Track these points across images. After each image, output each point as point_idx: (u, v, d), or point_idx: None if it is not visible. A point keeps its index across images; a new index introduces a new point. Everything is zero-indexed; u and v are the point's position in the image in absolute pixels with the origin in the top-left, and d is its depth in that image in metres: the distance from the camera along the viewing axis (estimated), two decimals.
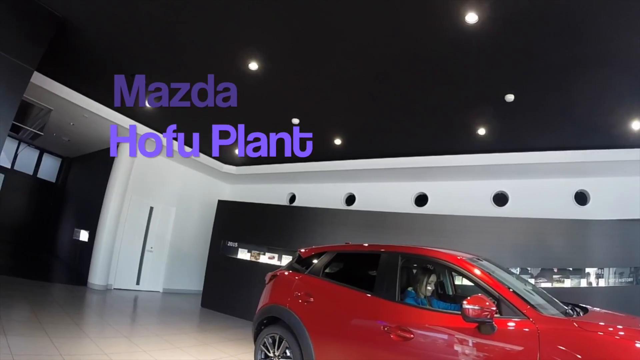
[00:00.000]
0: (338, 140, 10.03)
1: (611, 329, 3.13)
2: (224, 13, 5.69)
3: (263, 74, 7.21)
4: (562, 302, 4.01)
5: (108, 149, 11.84)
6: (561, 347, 2.86)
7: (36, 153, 15.76)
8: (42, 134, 9.35)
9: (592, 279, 7.71)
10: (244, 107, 8.53)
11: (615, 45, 5.30)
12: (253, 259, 10.57)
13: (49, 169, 16.58)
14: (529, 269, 8.03)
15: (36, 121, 9.22)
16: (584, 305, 4.11)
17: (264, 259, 10.39)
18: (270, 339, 5.07)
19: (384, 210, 9.71)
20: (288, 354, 4.82)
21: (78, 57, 7.60)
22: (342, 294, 4.45)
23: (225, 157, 13.03)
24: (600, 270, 7.67)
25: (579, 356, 2.77)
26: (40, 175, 16.23)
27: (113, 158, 11.46)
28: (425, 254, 4.25)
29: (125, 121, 10.32)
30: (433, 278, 4.58)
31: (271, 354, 5.00)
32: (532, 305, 3.23)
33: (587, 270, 7.74)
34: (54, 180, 16.80)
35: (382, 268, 4.28)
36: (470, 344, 3.20)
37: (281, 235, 10.26)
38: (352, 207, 12.00)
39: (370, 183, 11.98)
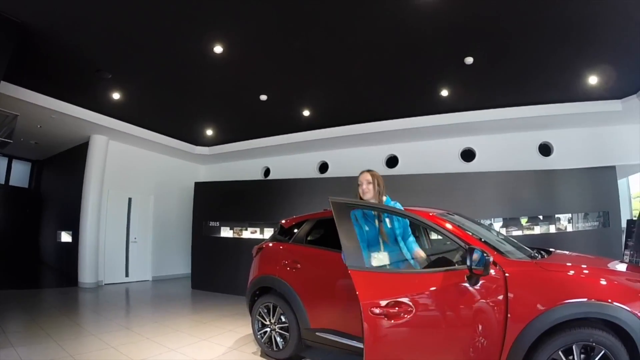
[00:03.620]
0: (307, 111, 10.17)
1: (572, 268, 3.47)
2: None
3: (228, 56, 7.29)
4: (529, 247, 4.32)
5: (78, 147, 12.07)
6: (525, 286, 3.19)
7: (5, 161, 15.40)
8: (11, 141, 9.17)
9: (561, 224, 8.17)
10: (213, 88, 8.82)
11: (568, 8, 5.55)
12: (236, 236, 10.75)
13: (20, 175, 16.20)
14: (498, 219, 8.45)
15: (2, 128, 9.09)
16: (549, 249, 4.47)
17: (247, 234, 10.58)
18: (264, 309, 5.37)
19: (356, 175, 9.90)
20: (283, 319, 5.12)
21: (39, 59, 7.55)
22: (326, 257, 4.67)
23: (196, 138, 13.15)
24: (568, 216, 8.14)
25: (540, 292, 3.12)
26: (12, 182, 15.83)
27: (86, 155, 11.49)
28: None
29: (93, 116, 10.35)
30: None
31: (267, 322, 5.30)
32: (499, 252, 3.48)
33: (556, 216, 8.20)
34: (26, 186, 16.45)
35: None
36: (445, 296, 3.39)
37: (260, 209, 10.44)
38: (326, 175, 12.26)
39: (341, 150, 12.20)
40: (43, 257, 15.02)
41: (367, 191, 4.03)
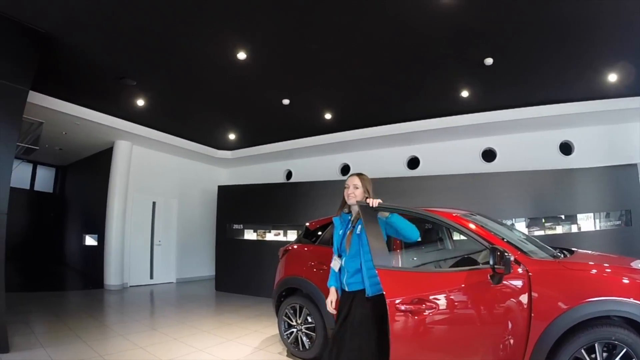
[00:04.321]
0: (328, 114, 10.22)
1: (594, 267, 3.50)
2: (207, 9, 5.81)
3: (252, 62, 7.39)
4: (551, 246, 4.35)
5: (103, 152, 12.27)
6: (548, 285, 3.22)
7: (30, 166, 15.73)
8: (37, 148, 9.33)
9: (583, 224, 8.12)
10: (236, 93, 8.92)
11: (585, 6, 5.54)
12: (260, 238, 10.89)
13: (45, 180, 16.58)
14: (519, 219, 8.44)
15: (28, 136, 9.26)
16: (572, 249, 4.50)
17: (270, 236, 10.71)
18: (291, 309, 5.46)
19: (378, 177, 9.92)
20: (310, 320, 5.22)
21: (64, 67, 7.70)
22: None
23: (218, 143, 13.31)
24: (590, 215, 8.09)
25: (563, 291, 3.16)
26: (37, 187, 16.21)
27: (110, 160, 11.71)
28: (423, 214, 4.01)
29: (118, 123, 10.54)
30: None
31: (294, 323, 5.40)
32: (522, 252, 3.50)
33: (578, 216, 8.12)
34: (51, 191, 16.83)
35: None
36: (469, 294, 3.43)
37: (283, 212, 10.55)
38: (348, 177, 12.22)
39: (362, 152, 12.20)
40: (68, 260, 15.24)
41: (353, 196, 3.72)
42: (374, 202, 3.50)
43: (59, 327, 6.72)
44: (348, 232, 3.69)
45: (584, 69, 7.45)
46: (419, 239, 3.59)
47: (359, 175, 3.85)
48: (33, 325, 6.70)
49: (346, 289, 3.55)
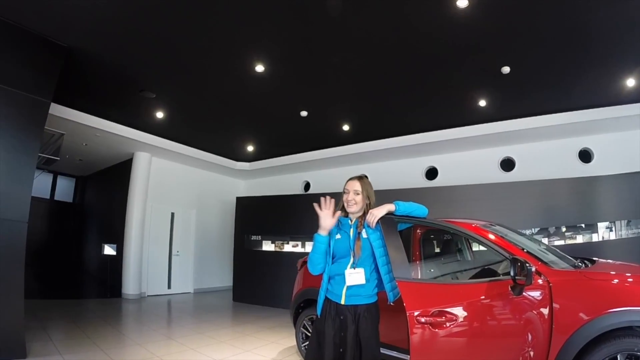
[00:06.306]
0: (346, 126, 10.24)
1: (616, 276, 3.42)
2: (226, 22, 5.89)
3: (270, 75, 7.44)
4: (572, 256, 4.27)
5: (122, 163, 12.39)
6: (569, 296, 3.15)
7: (50, 177, 15.94)
8: (57, 158, 9.44)
9: (603, 233, 7.98)
10: (254, 106, 8.98)
11: (602, 13, 5.48)
12: (278, 249, 10.88)
13: (65, 190, 16.76)
14: (539, 228, 8.32)
15: (49, 146, 9.38)
16: (593, 258, 4.42)
17: (288, 247, 10.70)
18: (309, 321, 5.41)
19: (396, 188, 9.88)
20: None
21: (85, 80, 7.82)
22: None
23: (236, 154, 13.39)
24: (611, 224, 7.95)
25: (584, 302, 3.09)
26: (57, 197, 16.40)
27: (130, 171, 11.84)
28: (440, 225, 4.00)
29: (137, 135, 10.68)
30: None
31: None
32: (543, 262, 3.44)
33: (599, 225, 7.95)
34: (71, 200, 16.99)
35: None
36: (489, 306, 3.38)
37: (302, 223, 10.44)
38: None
39: (380, 162, 12.15)
40: (87, 269, 15.32)
41: (354, 202, 3.34)
42: (377, 212, 3.31)
43: (76, 334, 6.77)
44: (356, 237, 3.29)
45: (602, 74, 7.33)
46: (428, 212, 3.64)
47: (360, 178, 3.45)
48: (51, 332, 6.75)
49: (341, 302, 3.16)
